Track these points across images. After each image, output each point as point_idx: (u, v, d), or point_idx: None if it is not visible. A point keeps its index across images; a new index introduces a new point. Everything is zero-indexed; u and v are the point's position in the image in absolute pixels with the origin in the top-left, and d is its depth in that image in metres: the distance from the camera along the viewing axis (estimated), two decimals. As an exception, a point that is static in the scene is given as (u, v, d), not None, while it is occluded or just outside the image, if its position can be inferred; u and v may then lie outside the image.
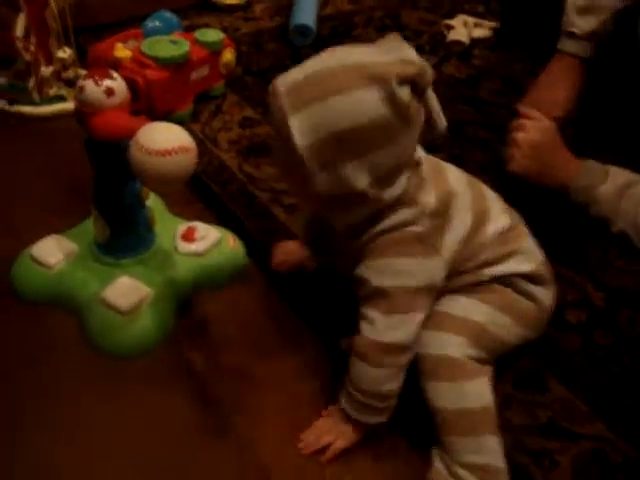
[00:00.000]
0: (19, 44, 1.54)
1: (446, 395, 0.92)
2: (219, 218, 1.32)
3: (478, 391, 0.92)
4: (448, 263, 0.95)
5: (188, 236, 1.18)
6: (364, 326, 0.93)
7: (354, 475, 0.95)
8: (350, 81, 0.82)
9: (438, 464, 0.92)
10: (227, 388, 1.04)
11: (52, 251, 1.15)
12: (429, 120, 0.88)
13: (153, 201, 1.20)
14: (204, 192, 1.39)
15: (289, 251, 1.18)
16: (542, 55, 1.50)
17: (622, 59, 1.42)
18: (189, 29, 1.76)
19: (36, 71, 1.58)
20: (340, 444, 0.96)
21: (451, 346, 0.94)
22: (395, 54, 0.84)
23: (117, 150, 0.99)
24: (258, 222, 1.31)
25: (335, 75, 0.83)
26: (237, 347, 1.11)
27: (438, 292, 0.96)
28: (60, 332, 1.11)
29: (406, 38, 1.81)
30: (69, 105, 1.60)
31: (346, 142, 0.83)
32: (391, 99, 0.82)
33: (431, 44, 1.98)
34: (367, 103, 0.82)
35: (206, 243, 1.18)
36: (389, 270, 0.91)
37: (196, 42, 1.61)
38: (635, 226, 1.22)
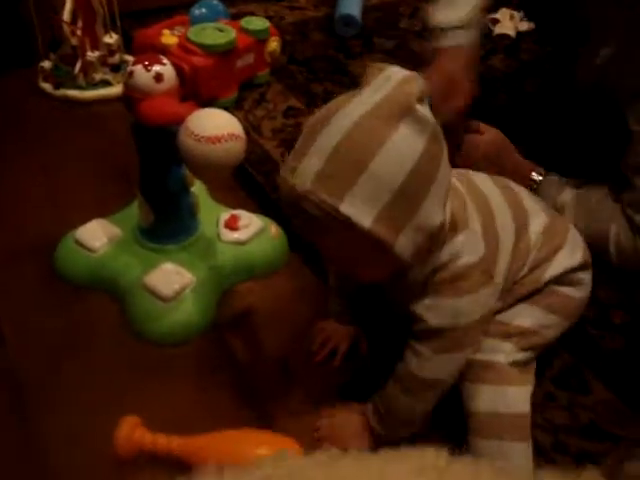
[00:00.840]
0: (66, 28, 1.55)
1: (485, 398, 0.90)
2: (261, 207, 1.31)
3: (518, 398, 0.91)
4: (500, 285, 0.92)
5: (231, 224, 1.18)
6: (411, 359, 0.89)
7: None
8: (375, 134, 0.75)
9: None
10: (267, 378, 1.04)
11: (96, 235, 1.16)
12: None
13: (197, 188, 1.20)
14: (247, 180, 1.38)
15: (334, 335, 1.08)
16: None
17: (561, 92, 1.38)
18: (235, 17, 1.76)
19: (82, 55, 1.59)
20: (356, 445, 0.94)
21: (500, 353, 0.92)
22: (390, 83, 0.77)
23: (164, 136, 0.99)
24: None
25: (357, 138, 0.75)
26: (278, 337, 1.10)
27: None
28: (101, 316, 1.12)
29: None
30: (114, 90, 1.61)
31: (409, 192, 0.76)
32: (421, 125, 0.76)
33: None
34: (405, 144, 0.75)
35: (249, 231, 1.18)
36: (449, 310, 0.86)
37: (242, 30, 1.61)
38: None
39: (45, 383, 1.02)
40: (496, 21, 1.98)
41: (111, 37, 1.63)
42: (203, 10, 1.65)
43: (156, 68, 1.00)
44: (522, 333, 0.95)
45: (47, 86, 1.64)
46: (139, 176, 1.11)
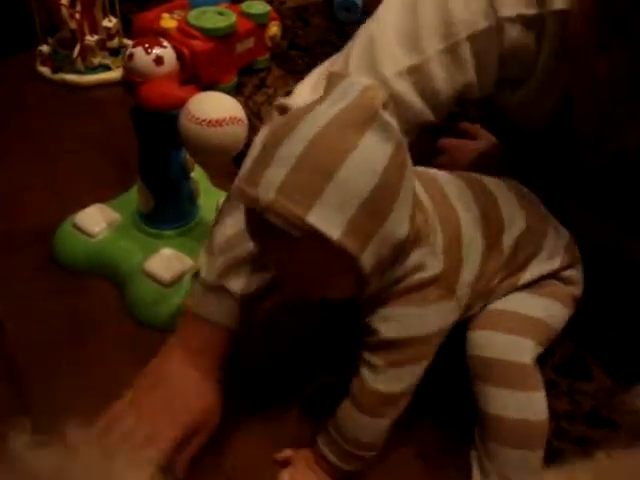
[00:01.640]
0: (65, 12, 1.53)
1: (510, 404, 0.87)
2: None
3: (542, 404, 0.89)
4: (464, 298, 0.88)
5: (231, 209, 1.17)
6: (366, 374, 0.84)
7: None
8: (342, 143, 0.70)
9: (476, 472, 0.89)
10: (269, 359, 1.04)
11: (95, 220, 1.15)
12: None
13: (197, 173, 1.19)
14: (247, 166, 1.37)
15: None
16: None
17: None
18: (235, 1, 1.74)
19: (81, 39, 1.57)
20: None
21: (524, 351, 0.90)
22: (352, 90, 0.72)
23: (164, 120, 0.98)
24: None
25: (322, 147, 0.70)
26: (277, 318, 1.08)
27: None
28: (100, 301, 1.11)
29: None
30: (113, 74, 1.60)
31: (376, 202, 0.71)
32: (387, 131, 0.71)
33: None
34: (372, 151, 0.71)
35: (249, 217, 1.17)
36: (402, 321, 0.82)
37: (242, 14, 1.60)
38: None
39: (45, 369, 1.01)
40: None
41: (110, 21, 1.61)
42: (203, -7, 1.64)
43: (156, 51, 0.99)
44: (536, 325, 0.93)
45: (45, 70, 1.63)
46: (139, 161, 1.10)
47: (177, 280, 1.07)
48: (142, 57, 0.98)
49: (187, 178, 1.12)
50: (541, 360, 0.95)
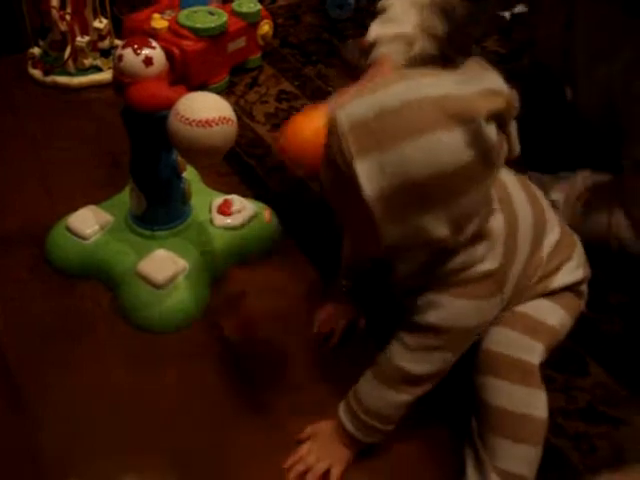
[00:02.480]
0: (55, 14, 1.53)
1: (515, 397, 0.88)
2: (254, 191, 1.31)
3: (545, 403, 0.89)
4: (507, 296, 0.90)
5: (224, 209, 1.17)
6: (397, 348, 0.87)
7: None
8: (429, 121, 0.71)
9: (471, 470, 0.89)
10: (260, 362, 1.04)
11: (88, 222, 1.15)
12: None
13: (189, 173, 1.19)
14: (240, 165, 1.37)
15: (333, 314, 1.08)
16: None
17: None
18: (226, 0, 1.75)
19: (72, 41, 1.57)
20: (338, 470, 0.91)
21: (533, 353, 0.90)
22: (479, 84, 0.73)
23: (154, 121, 0.98)
24: (293, 196, 1.30)
25: (411, 113, 0.72)
26: (271, 321, 1.10)
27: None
28: (94, 304, 1.11)
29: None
30: (105, 75, 1.59)
31: (423, 192, 0.73)
32: (477, 141, 0.71)
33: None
34: (449, 148, 0.71)
35: (242, 216, 1.17)
36: (449, 309, 0.84)
37: (233, 13, 1.60)
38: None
39: (38, 371, 1.01)
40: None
41: (101, 22, 1.61)
42: (194, -7, 1.63)
43: (145, 52, 0.98)
44: (549, 332, 0.93)
45: (36, 72, 1.62)
46: (130, 162, 1.10)
47: (170, 281, 1.06)
48: (131, 58, 0.98)
49: (179, 179, 1.11)
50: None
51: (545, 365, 0.91)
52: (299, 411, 0.97)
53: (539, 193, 0.98)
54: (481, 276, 0.84)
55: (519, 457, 0.87)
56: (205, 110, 0.90)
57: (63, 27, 1.55)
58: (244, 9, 1.61)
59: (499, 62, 1.70)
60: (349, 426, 0.90)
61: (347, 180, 0.73)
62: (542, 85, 1.36)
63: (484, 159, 0.73)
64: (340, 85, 1.21)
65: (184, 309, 1.07)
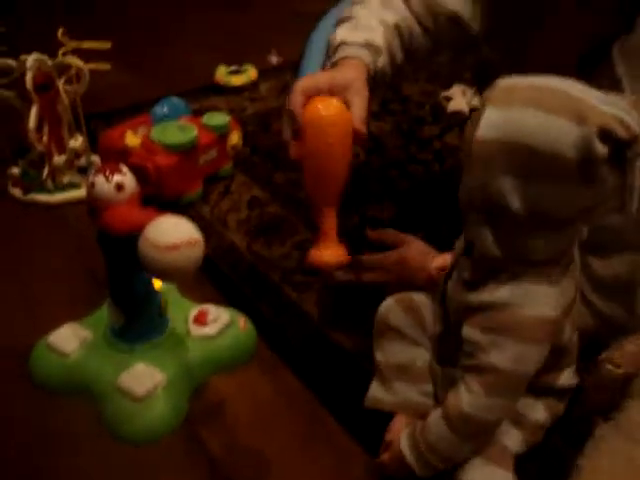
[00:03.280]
0: (32, 136, 1.59)
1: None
2: (230, 299, 1.34)
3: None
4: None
5: (200, 319, 1.21)
6: (465, 395, 0.88)
7: None
8: (558, 104, 0.77)
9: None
10: (242, 471, 1.05)
11: (68, 339, 1.18)
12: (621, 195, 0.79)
13: (165, 286, 1.23)
14: (215, 273, 1.41)
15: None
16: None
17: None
18: (197, 112, 1.82)
19: (49, 161, 1.63)
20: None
21: (511, 439, 0.95)
22: (615, 111, 0.76)
23: (128, 242, 1.01)
24: (268, 301, 1.34)
25: (549, 93, 0.79)
26: (251, 428, 1.12)
27: None
28: (77, 420, 1.13)
29: (408, 110, 1.82)
30: (82, 192, 1.62)
31: (517, 156, 0.78)
32: (583, 145, 0.75)
33: (433, 115, 2.03)
34: (558, 132, 0.76)
35: (217, 326, 1.20)
36: (510, 351, 0.86)
37: (203, 126, 1.66)
38: None
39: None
40: (449, 99, 2.06)
41: (76, 140, 1.67)
42: (165, 109, 1.70)
43: (117, 178, 1.03)
44: (533, 427, 0.96)
45: (16, 191, 1.67)
46: (107, 280, 1.14)
47: (150, 394, 1.09)
48: (103, 185, 1.03)
49: (155, 294, 1.16)
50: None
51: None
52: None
53: None
54: (542, 322, 0.86)
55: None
56: (172, 235, 0.95)
57: (40, 147, 1.61)
58: (214, 122, 1.67)
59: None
60: (411, 459, 0.93)
61: (473, 124, 0.81)
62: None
63: (582, 166, 0.76)
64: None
65: (164, 420, 1.10)
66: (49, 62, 1.57)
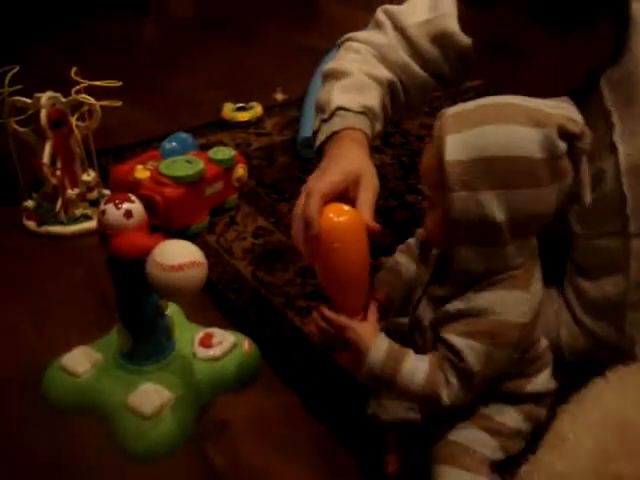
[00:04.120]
0: (46, 170, 1.65)
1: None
2: (235, 323, 1.39)
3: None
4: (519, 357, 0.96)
5: (205, 342, 1.26)
6: (444, 390, 0.92)
7: None
8: (512, 116, 0.85)
9: None
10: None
11: (80, 361, 1.23)
12: (574, 192, 0.89)
13: (172, 309, 1.28)
14: (220, 299, 1.47)
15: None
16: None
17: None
18: (204, 147, 1.89)
19: (62, 194, 1.69)
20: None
21: (487, 447, 0.97)
22: (563, 111, 0.86)
23: (137, 267, 1.07)
24: (272, 325, 1.38)
25: (500, 108, 0.87)
26: (256, 446, 1.15)
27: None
28: (88, 437, 1.17)
29: (409, 143, 1.87)
30: (94, 223, 1.69)
31: (493, 169, 0.84)
32: (547, 144, 0.84)
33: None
34: (523, 138, 0.84)
35: (222, 348, 1.25)
36: (484, 354, 0.91)
37: (210, 160, 1.72)
38: None
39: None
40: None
41: (89, 175, 1.73)
42: (173, 144, 1.77)
43: (126, 206, 1.09)
44: (508, 433, 0.99)
45: (31, 224, 1.73)
46: (117, 304, 1.19)
47: (157, 413, 1.14)
48: (113, 212, 1.09)
49: (162, 317, 1.21)
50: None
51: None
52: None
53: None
54: (514, 326, 0.91)
55: None
56: (177, 256, 1.01)
57: (54, 181, 1.67)
58: (219, 156, 1.73)
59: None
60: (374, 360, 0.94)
61: (438, 155, 0.87)
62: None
63: (548, 164, 0.85)
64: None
65: (171, 438, 1.14)
66: (62, 100, 1.65)
